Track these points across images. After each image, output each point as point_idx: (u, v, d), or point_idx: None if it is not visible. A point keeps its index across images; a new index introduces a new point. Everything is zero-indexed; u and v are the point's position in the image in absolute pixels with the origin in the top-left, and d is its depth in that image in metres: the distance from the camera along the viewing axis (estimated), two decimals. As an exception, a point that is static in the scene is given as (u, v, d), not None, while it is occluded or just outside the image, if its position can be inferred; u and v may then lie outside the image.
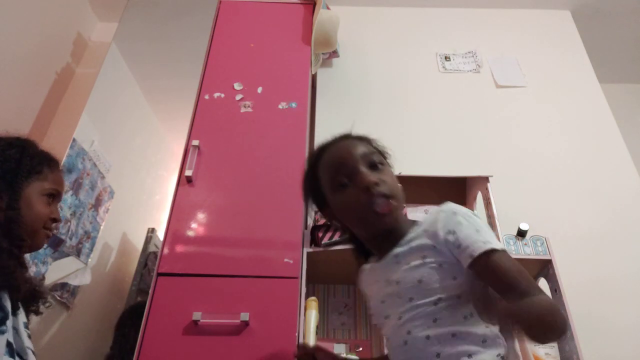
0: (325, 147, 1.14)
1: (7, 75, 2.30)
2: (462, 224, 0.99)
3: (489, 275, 0.96)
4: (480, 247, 0.95)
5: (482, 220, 1.04)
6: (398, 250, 1.06)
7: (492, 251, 0.95)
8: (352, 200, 1.04)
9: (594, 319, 1.86)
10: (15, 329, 1.04)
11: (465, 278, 0.99)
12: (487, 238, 0.97)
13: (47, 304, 1.11)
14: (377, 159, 1.07)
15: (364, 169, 1.04)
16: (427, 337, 0.97)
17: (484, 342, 0.95)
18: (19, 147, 1.15)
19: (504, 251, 0.96)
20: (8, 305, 1.01)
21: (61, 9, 2.71)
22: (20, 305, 1.08)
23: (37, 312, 1.12)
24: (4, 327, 0.98)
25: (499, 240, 1.78)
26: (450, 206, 1.04)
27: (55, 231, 1.26)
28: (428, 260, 1.00)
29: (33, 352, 1.08)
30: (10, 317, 1.02)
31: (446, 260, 0.99)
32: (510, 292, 0.92)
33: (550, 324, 0.87)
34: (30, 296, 1.11)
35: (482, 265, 0.95)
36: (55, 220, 1.18)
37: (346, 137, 1.14)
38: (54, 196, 1.19)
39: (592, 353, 1.63)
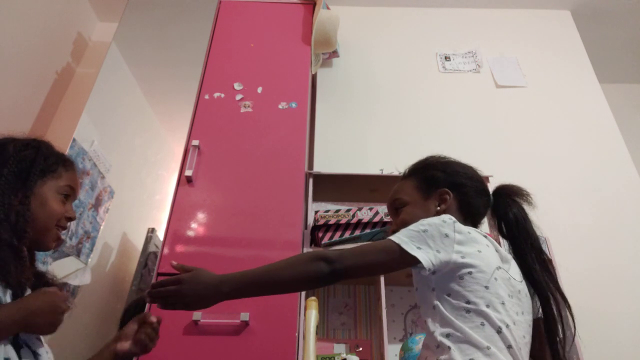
0: None
1: (8, 75, 2.30)
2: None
3: None
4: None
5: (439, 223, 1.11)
6: None
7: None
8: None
9: (594, 319, 1.86)
10: None
11: (420, 286, 1.10)
12: (401, 233, 1.08)
13: None
14: (398, 204, 1.30)
15: (391, 216, 1.33)
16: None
17: (437, 347, 1.02)
18: (34, 148, 1.17)
19: (387, 240, 1.08)
20: (6, 297, 1.00)
21: (61, 9, 2.71)
22: None
23: None
24: None
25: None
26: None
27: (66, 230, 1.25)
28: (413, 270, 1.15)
29: (41, 341, 1.08)
30: None
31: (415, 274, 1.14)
32: None
33: None
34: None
35: None
36: (71, 218, 1.19)
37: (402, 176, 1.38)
38: (69, 195, 1.20)
39: (592, 353, 1.63)
